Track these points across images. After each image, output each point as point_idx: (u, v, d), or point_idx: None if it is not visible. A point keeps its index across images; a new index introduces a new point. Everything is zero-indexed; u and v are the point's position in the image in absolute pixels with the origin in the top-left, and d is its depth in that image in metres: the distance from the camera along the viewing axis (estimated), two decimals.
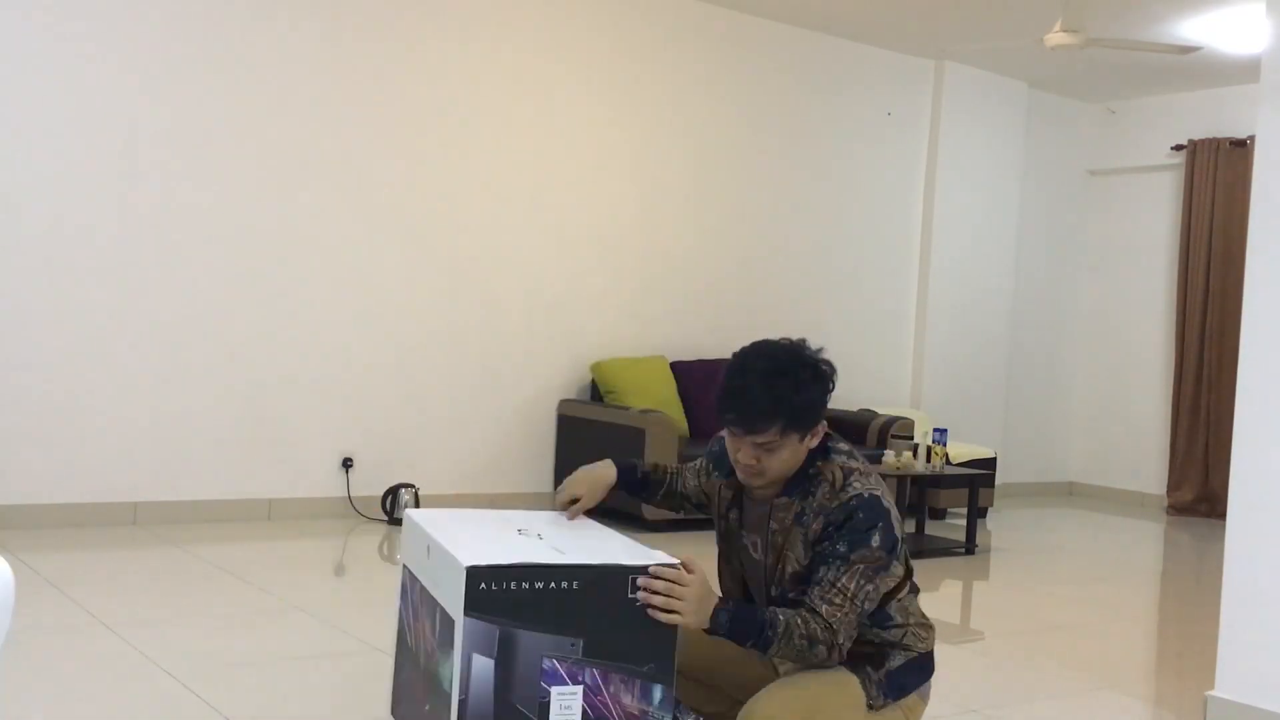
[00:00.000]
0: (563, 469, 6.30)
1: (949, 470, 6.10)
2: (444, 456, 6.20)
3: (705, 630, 2.11)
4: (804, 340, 2.32)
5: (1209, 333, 8.12)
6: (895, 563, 2.24)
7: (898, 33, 7.45)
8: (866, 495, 2.20)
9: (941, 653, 3.96)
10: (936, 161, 8.06)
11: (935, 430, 6.21)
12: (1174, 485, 8.30)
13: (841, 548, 2.17)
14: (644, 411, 5.98)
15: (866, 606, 2.18)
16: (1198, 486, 8.15)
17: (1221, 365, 8.05)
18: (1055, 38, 5.93)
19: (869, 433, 6.93)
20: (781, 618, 2.12)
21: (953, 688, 3.52)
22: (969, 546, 6.00)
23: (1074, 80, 8.39)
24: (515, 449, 6.43)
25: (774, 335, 2.38)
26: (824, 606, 2.14)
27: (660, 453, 5.87)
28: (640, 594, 2.03)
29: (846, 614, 2.15)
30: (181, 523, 5.42)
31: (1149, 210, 8.76)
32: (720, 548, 2.46)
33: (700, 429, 6.57)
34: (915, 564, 2.49)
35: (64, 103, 5.15)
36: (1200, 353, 8.19)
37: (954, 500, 7.00)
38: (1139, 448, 8.72)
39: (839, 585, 2.15)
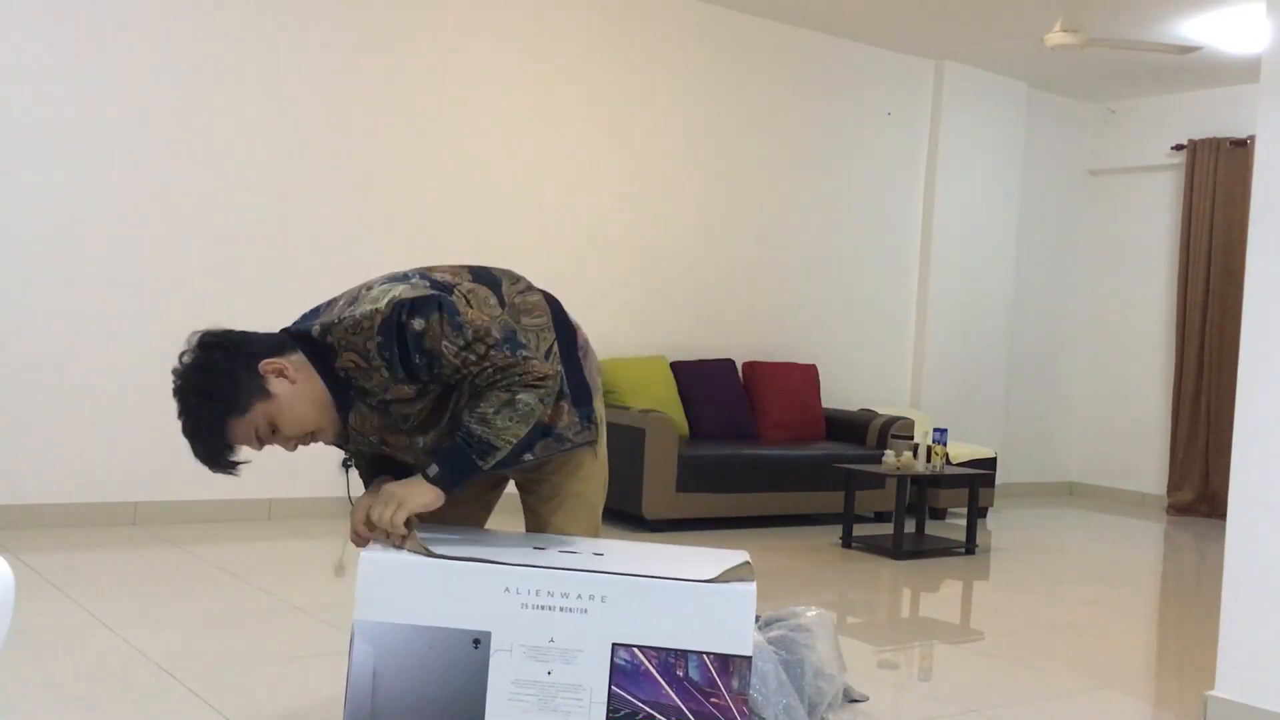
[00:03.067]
0: None
1: (949, 470, 6.10)
2: None
3: (441, 492, 2.18)
4: (191, 338, 2.17)
5: (1209, 333, 8.12)
6: (463, 298, 2.21)
7: (898, 33, 7.45)
8: (378, 322, 2.12)
9: (941, 653, 3.96)
10: (936, 162, 8.06)
11: (935, 430, 6.21)
12: (1174, 485, 8.30)
13: (443, 348, 2.13)
14: (644, 411, 5.98)
15: (500, 334, 2.16)
16: (1198, 486, 8.15)
17: (1221, 365, 8.05)
18: (1055, 38, 5.93)
19: (869, 433, 6.93)
20: (466, 423, 2.16)
21: (953, 688, 3.52)
22: (969, 546, 6.00)
23: (1074, 80, 8.39)
24: None
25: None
26: (474, 378, 2.15)
27: (660, 452, 5.87)
28: (375, 535, 2.16)
29: (496, 354, 2.15)
30: (181, 523, 5.42)
31: (1149, 210, 8.76)
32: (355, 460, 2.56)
33: (700, 429, 6.57)
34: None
35: (64, 103, 5.15)
36: (1200, 353, 8.19)
37: (954, 500, 7.00)
38: (1139, 448, 8.72)
39: (467, 354, 2.13)
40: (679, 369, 6.69)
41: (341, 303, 2.22)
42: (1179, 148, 8.47)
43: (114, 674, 3.16)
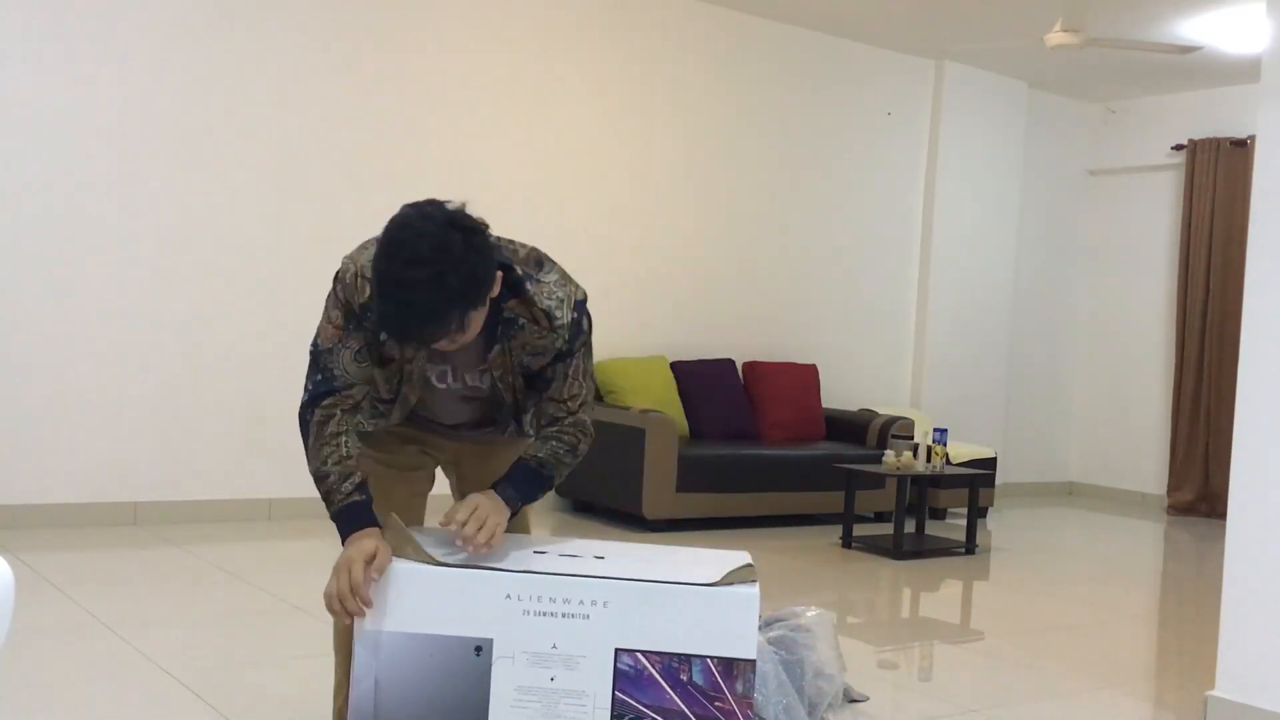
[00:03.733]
0: None
1: (949, 470, 6.10)
2: None
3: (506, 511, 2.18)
4: (433, 201, 2.07)
5: (1209, 333, 8.12)
6: None
7: (898, 33, 7.45)
8: (573, 318, 2.17)
9: (941, 652, 3.96)
10: (936, 161, 8.06)
11: (935, 430, 6.21)
12: (1174, 485, 8.30)
13: (567, 348, 2.19)
14: (644, 411, 5.98)
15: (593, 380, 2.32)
16: (1198, 486, 8.15)
17: (1221, 365, 8.05)
18: (1055, 38, 5.93)
19: (869, 433, 6.93)
20: (544, 455, 2.22)
21: (953, 688, 3.52)
22: (969, 546, 6.00)
23: (1074, 80, 8.39)
24: None
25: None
26: (567, 403, 2.23)
27: (660, 452, 5.86)
28: (462, 544, 2.07)
29: (588, 389, 2.26)
30: (181, 523, 5.42)
31: (1149, 210, 8.76)
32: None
33: (700, 429, 6.57)
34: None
35: (64, 103, 5.15)
36: (1200, 353, 8.19)
37: (954, 500, 7.00)
38: (1139, 448, 8.72)
39: (580, 372, 2.24)
40: (679, 369, 6.69)
41: (522, 254, 2.24)
42: (1179, 148, 8.47)
43: (114, 674, 3.16)
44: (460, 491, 2.51)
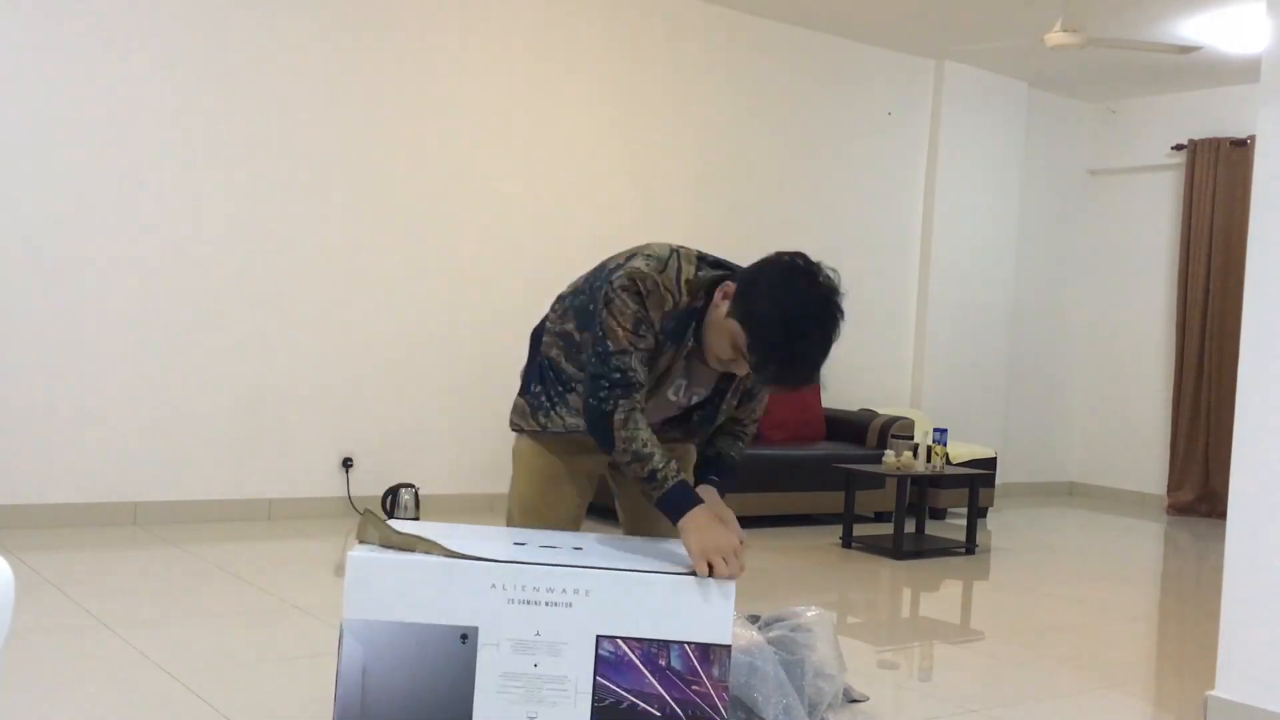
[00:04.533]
0: None
1: (949, 470, 6.10)
2: (444, 456, 6.20)
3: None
4: (819, 264, 2.29)
5: (1209, 332, 8.13)
6: None
7: (898, 33, 7.45)
8: None
9: (941, 653, 3.96)
10: (936, 161, 8.06)
11: (935, 430, 6.21)
12: (1174, 485, 8.30)
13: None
14: None
15: None
16: (1198, 486, 8.15)
17: (1221, 365, 8.05)
18: (1055, 38, 5.93)
19: (869, 433, 6.93)
20: (735, 456, 2.66)
21: (953, 688, 3.52)
22: (969, 546, 6.00)
23: (1074, 80, 8.39)
24: None
25: None
26: (750, 426, 2.67)
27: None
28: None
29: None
30: (181, 523, 5.42)
31: (1149, 210, 8.76)
32: None
33: None
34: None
35: (64, 104, 5.15)
36: (1200, 352, 8.19)
37: (954, 500, 7.00)
38: (1139, 448, 8.72)
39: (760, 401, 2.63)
40: None
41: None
42: (1179, 148, 8.47)
43: (114, 674, 3.16)
44: (614, 479, 2.74)
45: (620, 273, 2.35)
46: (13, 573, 1.67)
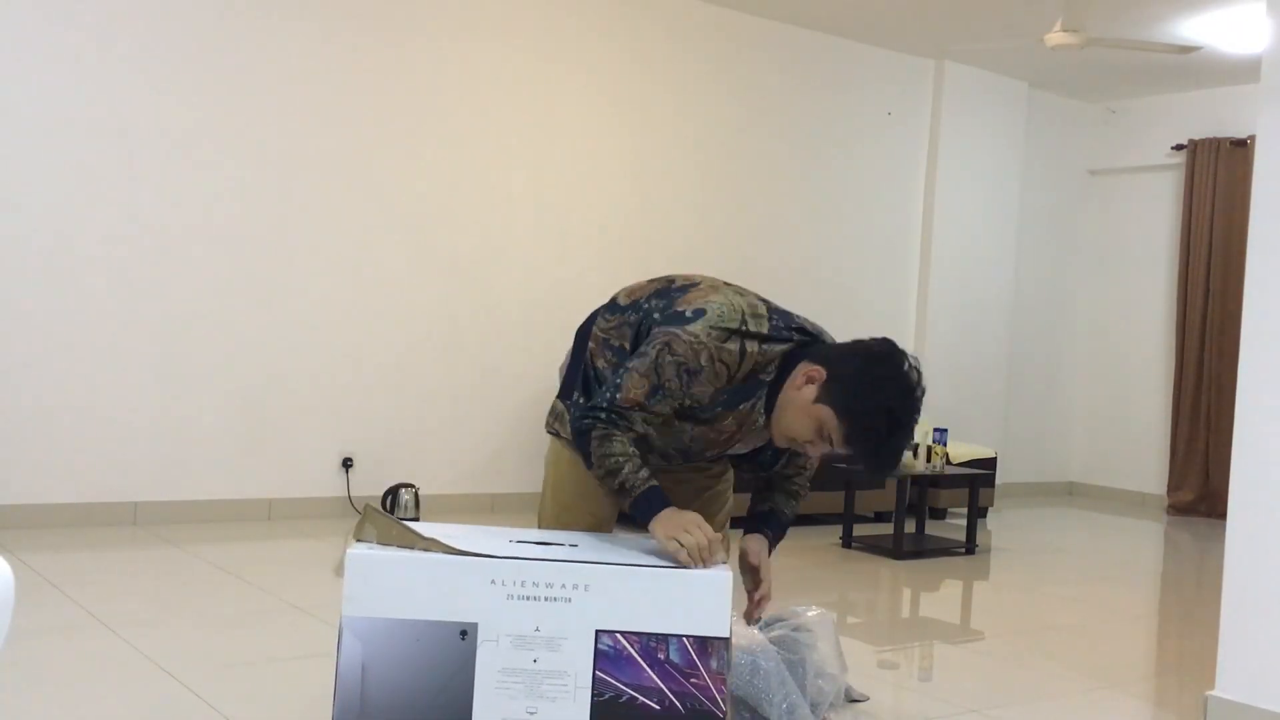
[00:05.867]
0: None
1: (949, 470, 6.10)
2: (444, 456, 6.20)
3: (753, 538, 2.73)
4: (904, 352, 2.47)
5: (1209, 333, 8.12)
6: None
7: (898, 33, 7.45)
8: None
9: (941, 653, 3.96)
10: (936, 161, 8.06)
11: (935, 430, 6.21)
12: (1174, 485, 8.30)
13: None
14: None
15: None
16: (1198, 486, 8.15)
17: (1221, 365, 8.05)
18: (1055, 38, 5.93)
19: None
20: (789, 513, 2.82)
21: (953, 688, 3.52)
22: (969, 546, 6.00)
23: (1074, 80, 8.39)
24: (515, 449, 6.43)
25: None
26: (802, 481, 2.84)
27: None
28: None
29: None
30: (181, 523, 5.42)
31: (1149, 210, 8.76)
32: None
33: None
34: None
35: (64, 103, 5.15)
36: (1200, 353, 8.19)
37: (954, 500, 7.00)
38: (1139, 448, 8.72)
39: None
40: None
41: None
42: (1179, 148, 8.47)
43: (114, 674, 3.16)
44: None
45: (684, 334, 2.32)
46: (13, 573, 1.67)
